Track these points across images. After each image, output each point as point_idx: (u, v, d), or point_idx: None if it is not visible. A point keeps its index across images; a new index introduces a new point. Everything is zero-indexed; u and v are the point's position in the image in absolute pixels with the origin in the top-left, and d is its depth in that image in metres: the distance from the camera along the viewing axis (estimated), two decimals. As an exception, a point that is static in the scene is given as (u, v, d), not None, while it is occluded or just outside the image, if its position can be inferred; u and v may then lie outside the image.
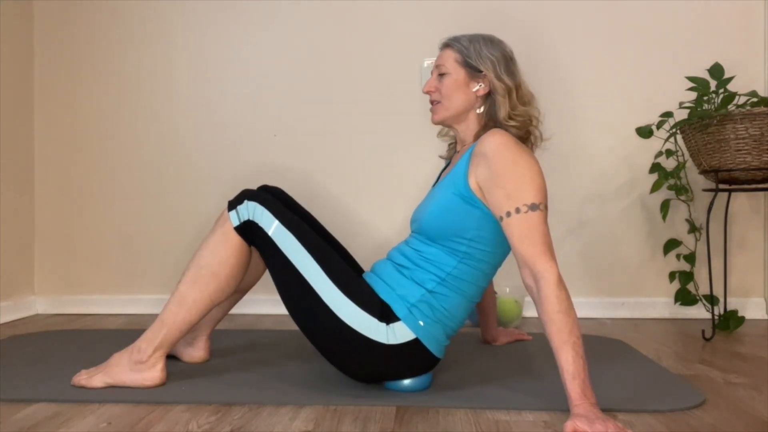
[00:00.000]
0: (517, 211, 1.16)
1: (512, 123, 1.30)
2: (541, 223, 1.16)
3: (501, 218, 1.19)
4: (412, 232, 1.39)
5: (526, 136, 1.34)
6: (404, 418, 1.14)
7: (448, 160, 1.52)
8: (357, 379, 1.34)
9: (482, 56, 1.32)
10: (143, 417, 1.15)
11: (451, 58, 1.35)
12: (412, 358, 1.25)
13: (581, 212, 2.22)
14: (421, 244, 1.30)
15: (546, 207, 1.18)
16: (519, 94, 1.32)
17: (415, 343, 1.23)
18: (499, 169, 1.19)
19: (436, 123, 1.41)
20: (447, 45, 1.39)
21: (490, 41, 1.35)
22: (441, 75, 1.36)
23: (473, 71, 1.33)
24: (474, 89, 1.33)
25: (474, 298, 1.30)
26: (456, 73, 1.34)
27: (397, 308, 1.24)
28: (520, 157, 1.20)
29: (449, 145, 1.54)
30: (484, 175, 1.21)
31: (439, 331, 1.26)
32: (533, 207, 1.16)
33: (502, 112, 1.30)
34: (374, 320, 1.22)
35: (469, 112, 1.36)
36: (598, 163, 2.21)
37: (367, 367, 1.27)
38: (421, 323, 1.23)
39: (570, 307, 1.10)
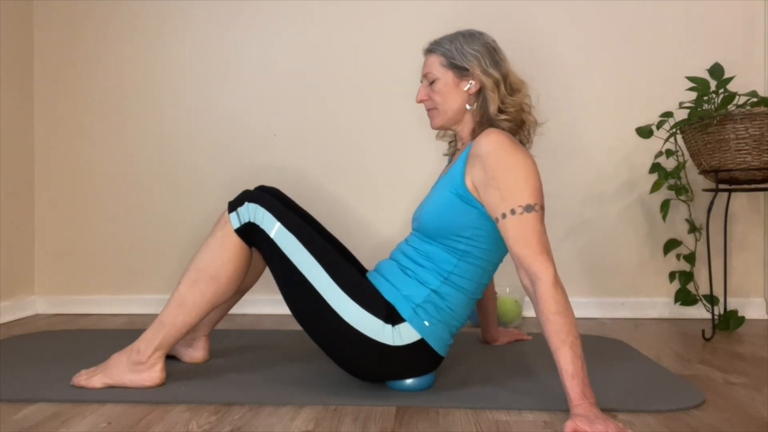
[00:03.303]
0: (512, 212, 1.16)
1: (503, 117, 1.30)
2: (536, 223, 1.16)
3: (497, 219, 1.19)
4: (413, 230, 1.39)
5: (520, 124, 1.34)
6: (404, 418, 1.14)
7: (450, 158, 1.53)
8: (362, 379, 1.34)
9: (465, 54, 1.31)
10: (143, 417, 1.15)
11: (436, 63, 1.35)
12: (417, 358, 1.25)
13: (581, 212, 2.22)
14: (421, 242, 1.30)
15: (542, 207, 1.18)
16: (507, 83, 1.32)
17: (421, 343, 1.23)
18: (493, 170, 1.19)
19: (435, 128, 1.41)
20: (429, 51, 1.38)
21: (471, 36, 1.34)
22: (431, 83, 1.36)
23: (460, 71, 1.32)
24: (465, 88, 1.33)
25: (476, 295, 1.30)
26: (444, 76, 1.34)
27: (402, 309, 1.24)
28: (515, 157, 1.19)
29: (450, 143, 1.54)
30: (479, 176, 1.21)
31: (444, 330, 1.26)
32: (528, 208, 1.16)
33: (492, 106, 1.30)
34: (380, 322, 1.22)
35: (464, 112, 1.36)
36: (598, 162, 2.21)
37: (373, 367, 1.27)
38: (427, 323, 1.23)
39: (567, 307, 1.10)
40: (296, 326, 1.97)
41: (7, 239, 2.19)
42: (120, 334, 1.86)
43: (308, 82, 2.29)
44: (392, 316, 1.23)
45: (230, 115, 2.32)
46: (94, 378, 1.30)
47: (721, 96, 1.77)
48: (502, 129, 1.29)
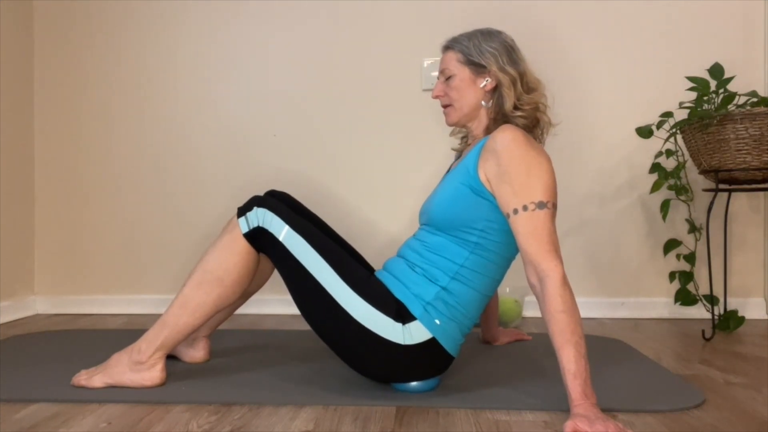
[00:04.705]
0: (524, 208, 1.16)
1: (519, 113, 1.31)
2: (547, 221, 1.16)
3: (508, 215, 1.19)
4: (420, 225, 1.38)
5: (534, 123, 1.34)
6: (404, 418, 1.14)
7: (459, 153, 1.53)
8: (374, 380, 1.33)
9: (483, 51, 1.32)
10: (143, 417, 1.15)
11: (453, 59, 1.36)
12: (428, 357, 1.24)
13: (581, 212, 2.22)
14: (430, 236, 1.30)
15: (554, 205, 1.18)
16: (524, 81, 1.32)
17: (432, 342, 1.22)
18: (507, 165, 1.19)
19: (450, 125, 1.42)
20: (447, 47, 1.39)
21: (489, 34, 1.35)
22: (447, 78, 1.37)
23: (477, 67, 1.33)
24: (481, 85, 1.34)
25: (488, 292, 1.29)
26: (461, 72, 1.35)
27: (413, 307, 1.23)
28: (529, 153, 1.20)
29: (462, 138, 1.54)
30: (493, 170, 1.21)
31: (455, 329, 1.25)
32: (540, 205, 1.16)
33: (508, 103, 1.30)
34: (390, 320, 1.21)
35: (480, 109, 1.36)
36: (598, 162, 2.21)
37: (385, 367, 1.26)
38: (438, 322, 1.23)
39: (573, 306, 1.10)
40: (297, 326, 1.98)
41: (7, 239, 2.19)
42: (120, 334, 1.86)
43: (311, 82, 2.29)
44: (402, 314, 1.22)
45: (233, 115, 2.32)
46: (94, 378, 1.30)
47: (721, 96, 1.77)
48: (517, 126, 1.30)
